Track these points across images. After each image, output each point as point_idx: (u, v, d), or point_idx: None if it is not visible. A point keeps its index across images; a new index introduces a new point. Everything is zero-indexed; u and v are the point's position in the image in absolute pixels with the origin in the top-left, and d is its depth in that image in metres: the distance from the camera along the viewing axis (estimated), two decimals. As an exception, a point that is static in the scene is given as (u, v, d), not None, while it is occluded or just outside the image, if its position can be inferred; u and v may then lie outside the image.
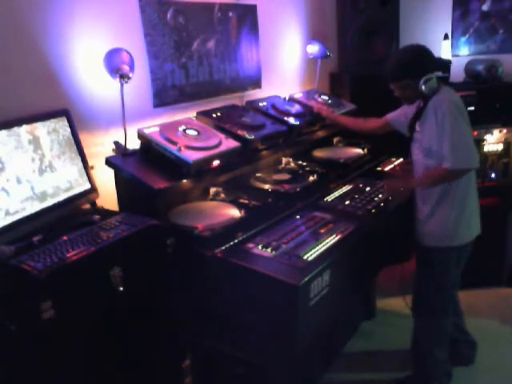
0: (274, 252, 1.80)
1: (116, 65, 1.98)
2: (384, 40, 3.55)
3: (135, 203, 1.99)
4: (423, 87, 2.14)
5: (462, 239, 2.27)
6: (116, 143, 2.10)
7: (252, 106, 2.71)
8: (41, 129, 1.74)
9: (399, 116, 2.50)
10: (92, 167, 1.92)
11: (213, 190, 2.24)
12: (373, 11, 3.49)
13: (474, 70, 3.52)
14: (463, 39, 3.82)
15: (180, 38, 2.44)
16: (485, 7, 3.70)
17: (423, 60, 2.19)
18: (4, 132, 1.61)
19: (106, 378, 1.55)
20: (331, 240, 1.91)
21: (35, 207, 1.65)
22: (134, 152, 2.09)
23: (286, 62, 3.32)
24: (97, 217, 1.74)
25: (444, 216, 2.24)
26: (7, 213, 1.56)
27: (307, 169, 2.62)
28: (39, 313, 1.29)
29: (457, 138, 2.08)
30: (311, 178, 2.46)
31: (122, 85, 2.01)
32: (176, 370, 1.85)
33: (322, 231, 1.99)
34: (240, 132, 2.29)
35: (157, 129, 2.06)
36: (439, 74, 2.29)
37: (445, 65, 2.35)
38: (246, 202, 2.15)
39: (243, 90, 2.91)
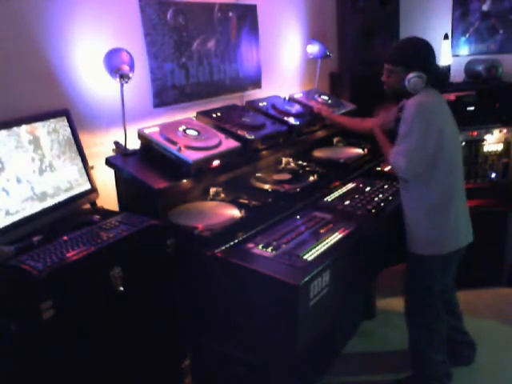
0: (274, 252, 1.80)
1: (116, 65, 1.98)
2: (384, 40, 3.56)
3: (135, 203, 1.98)
4: (407, 82, 2.12)
5: (447, 248, 2.21)
6: (116, 143, 2.10)
7: (252, 105, 2.71)
8: (41, 129, 1.74)
9: (390, 117, 2.49)
10: (92, 167, 1.92)
11: (213, 190, 2.24)
12: (373, 11, 3.50)
13: (474, 70, 3.52)
14: (463, 39, 3.82)
15: (180, 38, 2.44)
16: (485, 7, 3.70)
17: (426, 57, 2.16)
18: (4, 132, 1.61)
19: (106, 377, 1.54)
20: (331, 240, 1.91)
21: (35, 207, 1.65)
22: (134, 152, 2.09)
23: (286, 62, 3.32)
24: (97, 217, 1.74)
25: (422, 224, 2.20)
26: (7, 213, 1.56)
27: (307, 169, 2.62)
28: (39, 313, 1.29)
29: (405, 143, 2.09)
30: (311, 178, 2.46)
31: (121, 85, 2.01)
32: (176, 369, 1.85)
33: (322, 231, 1.99)
34: (240, 132, 2.29)
35: (157, 129, 2.06)
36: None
37: (443, 74, 2.32)
38: (246, 201, 2.14)
39: (243, 90, 2.91)
